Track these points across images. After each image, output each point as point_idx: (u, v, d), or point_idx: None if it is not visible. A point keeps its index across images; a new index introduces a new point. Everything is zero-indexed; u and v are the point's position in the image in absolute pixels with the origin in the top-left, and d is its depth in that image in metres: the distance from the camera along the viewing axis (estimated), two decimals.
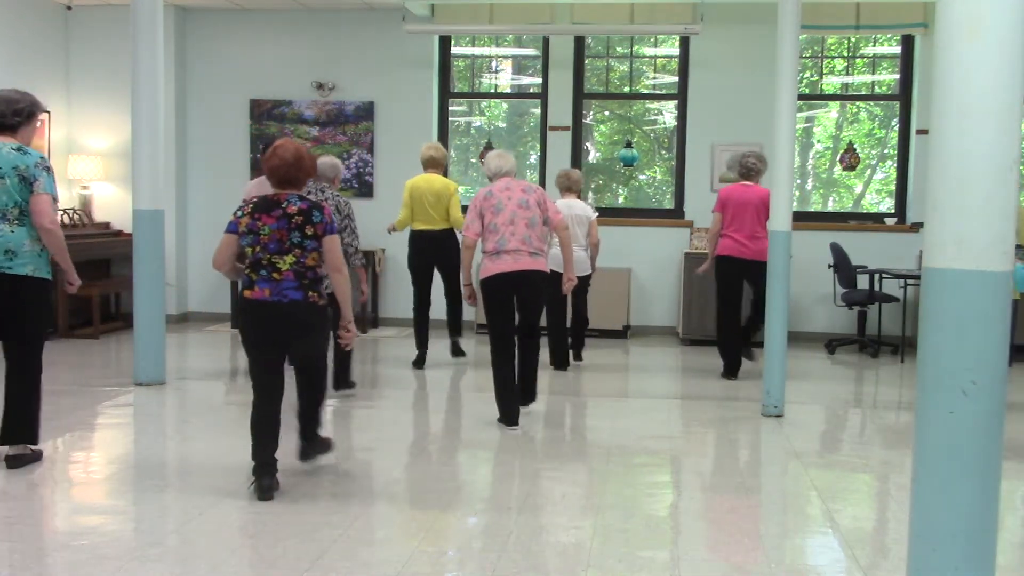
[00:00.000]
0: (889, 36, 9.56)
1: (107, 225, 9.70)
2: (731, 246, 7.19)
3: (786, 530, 4.17)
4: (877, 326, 8.91)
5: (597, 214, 7.63)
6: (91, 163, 9.57)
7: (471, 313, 9.14)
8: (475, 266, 5.85)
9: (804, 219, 9.10)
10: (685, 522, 4.16)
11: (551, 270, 6.16)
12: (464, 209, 7.45)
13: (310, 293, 4.31)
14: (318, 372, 4.62)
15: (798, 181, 9.84)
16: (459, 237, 7.27)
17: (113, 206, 9.74)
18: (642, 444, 5.54)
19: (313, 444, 4.67)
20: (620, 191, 10.59)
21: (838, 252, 8.77)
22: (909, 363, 8.31)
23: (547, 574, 3.53)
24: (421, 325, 7.62)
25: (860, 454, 5.53)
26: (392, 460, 5.06)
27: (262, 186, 6.91)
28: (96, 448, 5.38)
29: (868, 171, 10.40)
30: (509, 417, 5.67)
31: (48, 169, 4.72)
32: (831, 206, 10.44)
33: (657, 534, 4.02)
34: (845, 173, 10.02)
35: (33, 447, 4.79)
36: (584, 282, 7.61)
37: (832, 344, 8.96)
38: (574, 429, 5.75)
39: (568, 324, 7.71)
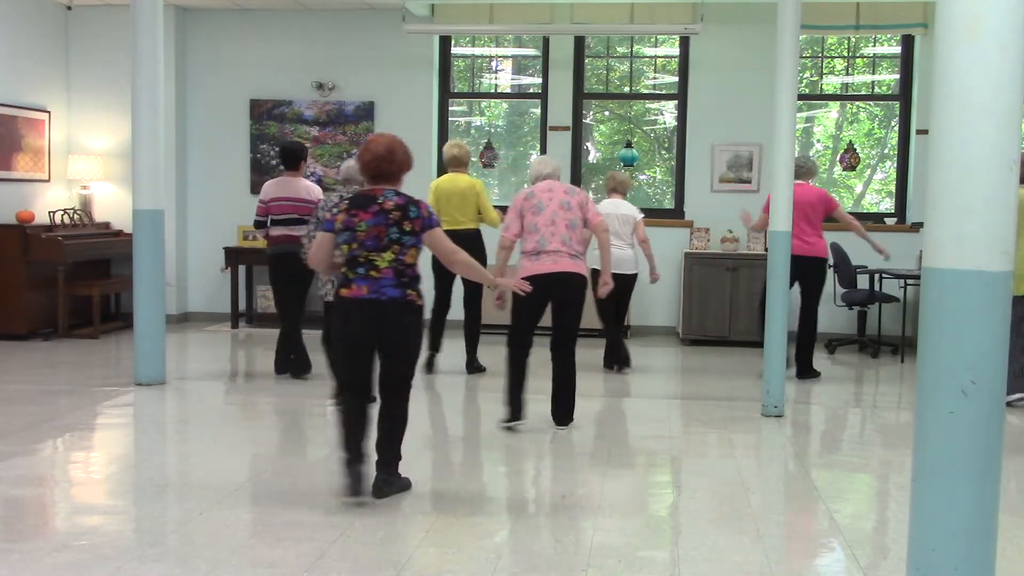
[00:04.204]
0: (889, 36, 9.56)
1: (107, 225, 9.70)
2: (791, 244, 7.14)
3: (786, 530, 4.17)
4: (877, 326, 8.91)
5: (642, 215, 7.62)
6: (91, 163, 9.58)
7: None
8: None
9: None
10: (685, 522, 4.16)
11: (592, 269, 6.02)
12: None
13: (408, 291, 4.17)
14: (403, 393, 4.33)
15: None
16: (497, 234, 7.24)
17: (113, 206, 9.74)
18: (642, 444, 5.54)
19: (391, 479, 4.31)
20: None
21: (838, 252, 8.77)
22: (909, 363, 8.31)
23: (547, 574, 3.53)
24: (436, 327, 7.44)
25: (860, 454, 5.53)
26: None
27: (281, 186, 6.94)
28: (96, 448, 5.38)
29: (868, 171, 10.40)
30: (511, 413, 5.61)
31: None
32: None
33: (657, 534, 4.02)
34: (845, 173, 10.02)
35: None
36: (630, 282, 7.55)
37: (832, 344, 8.96)
38: (574, 429, 5.73)
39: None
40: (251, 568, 3.52)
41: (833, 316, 9.34)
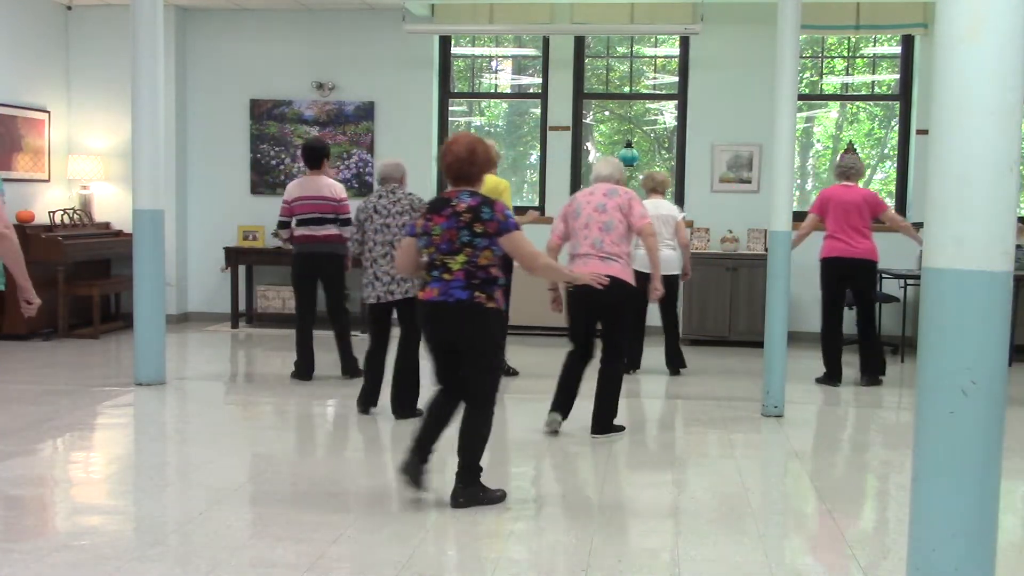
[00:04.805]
0: (889, 36, 9.56)
1: (107, 225, 9.70)
2: (838, 247, 7.18)
3: (786, 530, 4.17)
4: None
5: (683, 215, 7.59)
6: (91, 163, 9.57)
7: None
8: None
9: (805, 219, 9.07)
10: (685, 522, 4.16)
11: (636, 271, 5.94)
12: (519, 210, 7.42)
13: (477, 293, 4.09)
14: (479, 401, 4.26)
15: (798, 181, 9.83)
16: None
17: (113, 206, 9.74)
18: (642, 444, 5.54)
19: (468, 488, 4.25)
20: None
21: None
22: (909, 363, 8.31)
23: (547, 574, 3.53)
24: None
25: (860, 454, 5.53)
26: (392, 460, 5.05)
27: (304, 185, 6.93)
28: (96, 448, 5.38)
29: (868, 171, 10.39)
30: (553, 403, 5.61)
31: None
32: None
33: (657, 534, 4.02)
34: None
35: None
36: (672, 283, 7.44)
37: None
38: (574, 429, 5.73)
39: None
40: (251, 568, 3.52)
41: None
